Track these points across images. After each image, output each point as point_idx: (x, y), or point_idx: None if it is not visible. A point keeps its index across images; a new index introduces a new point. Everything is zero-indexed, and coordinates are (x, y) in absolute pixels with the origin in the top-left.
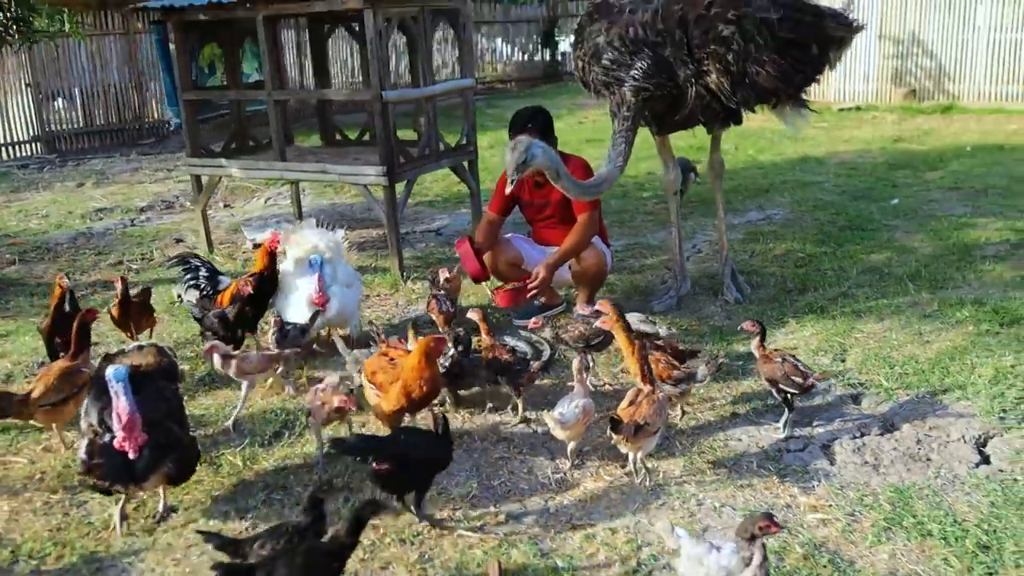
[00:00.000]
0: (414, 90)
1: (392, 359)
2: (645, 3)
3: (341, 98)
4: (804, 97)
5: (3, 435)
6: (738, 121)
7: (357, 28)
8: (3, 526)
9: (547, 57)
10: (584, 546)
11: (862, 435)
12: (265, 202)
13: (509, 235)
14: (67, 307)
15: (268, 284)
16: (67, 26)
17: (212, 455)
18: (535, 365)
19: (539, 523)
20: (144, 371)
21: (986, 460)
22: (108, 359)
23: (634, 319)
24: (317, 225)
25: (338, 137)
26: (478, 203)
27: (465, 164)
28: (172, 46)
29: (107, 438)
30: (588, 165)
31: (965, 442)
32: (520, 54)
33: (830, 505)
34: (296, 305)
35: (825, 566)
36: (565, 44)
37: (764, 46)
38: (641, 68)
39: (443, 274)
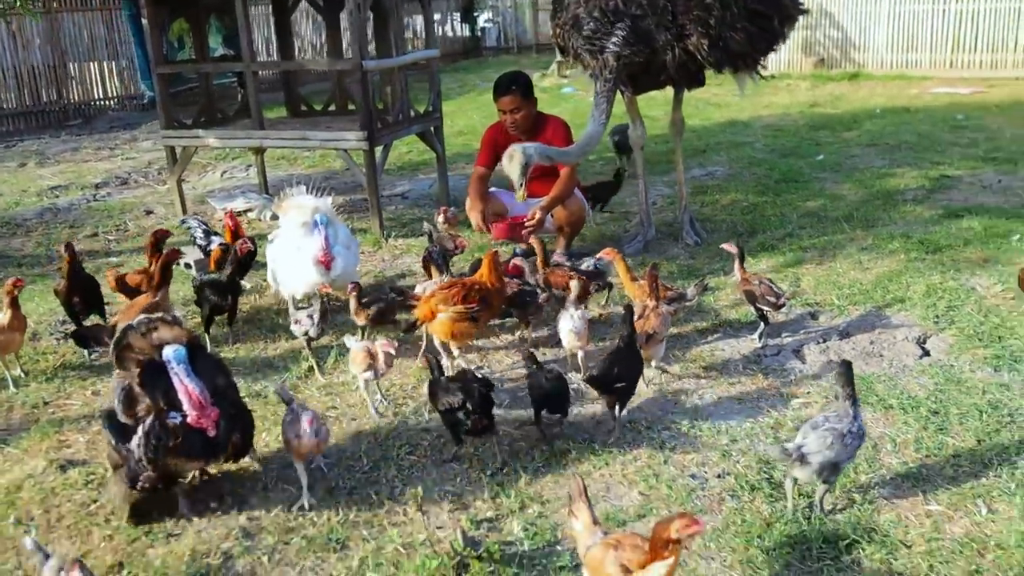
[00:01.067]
0: (390, 59)
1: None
2: None
3: (322, 68)
4: (761, 64)
5: (50, 383)
6: (702, 83)
7: (322, 2)
8: (86, 453)
9: (467, 33)
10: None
11: (824, 341)
12: (222, 175)
13: (493, 189)
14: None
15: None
16: (18, 3)
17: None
18: (543, 297)
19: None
20: (192, 344)
21: (927, 353)
22: (130, 334)
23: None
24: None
25: (304, 108)
26: (444, 166)
27: (432, 129)
28: (144, 21)
29: (176, 418)
30: (566, 123)
31: (909, 341)
32: (439, 30)
33: (808, 392)
34: (301, 266)
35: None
36: (483, 20)
37: (737, 14)
38: (622, 36)
39: (440, 216)
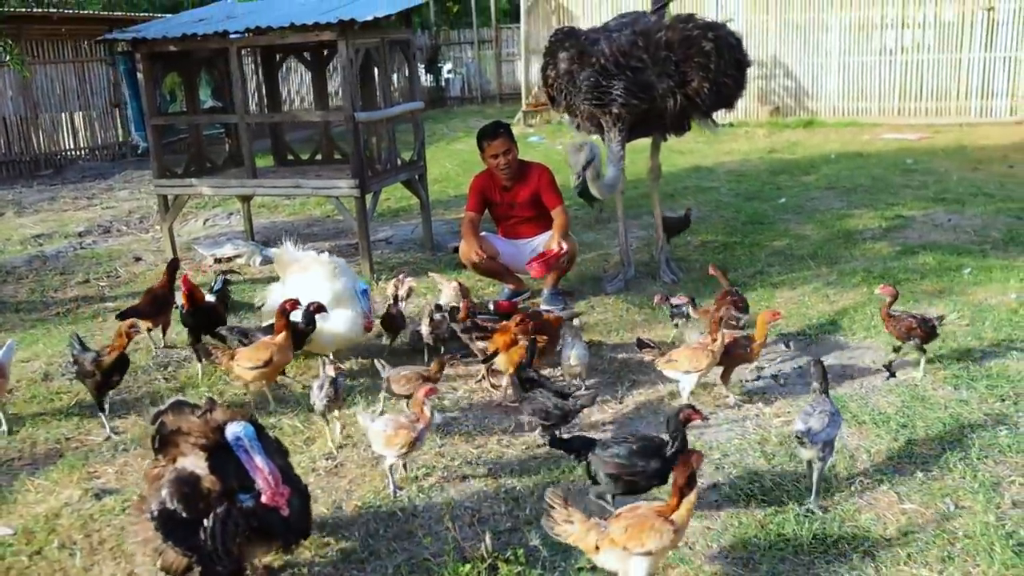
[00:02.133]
0: (380, 111)
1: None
2: (617, 33)
3: (314, 119)
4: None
5: (68, 420)
6: (688, 129)
7: (309, 57)
8: (117, 482)
9: (431, 83)
10: None
11: (799, 366)
12: (204, 223)
13: (484, 233)
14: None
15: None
16: (8, 57)
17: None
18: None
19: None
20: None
21: (893, 375)
22: (180, 418)
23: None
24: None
25: (290, 157)
26: (428, 212)
27: (416, 177)
28: (140, 75)
29: (247, 501)
30: (548, 169)
31: (876, 364)
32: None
33: (788, 411)
34: (335, 324)
35: (796, 448)
36: (447, 71)
37: (728, 62)
38: (628, 89)
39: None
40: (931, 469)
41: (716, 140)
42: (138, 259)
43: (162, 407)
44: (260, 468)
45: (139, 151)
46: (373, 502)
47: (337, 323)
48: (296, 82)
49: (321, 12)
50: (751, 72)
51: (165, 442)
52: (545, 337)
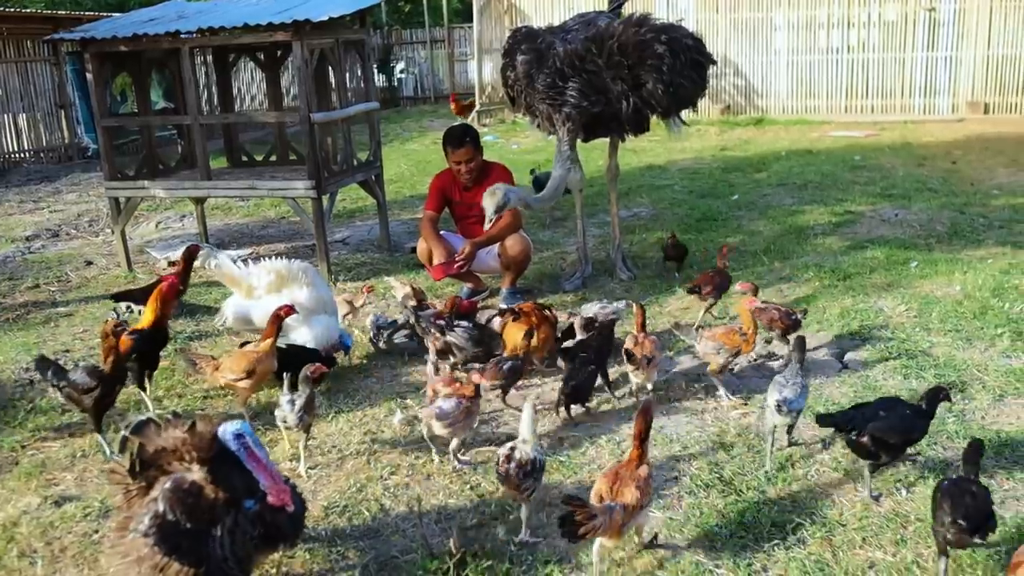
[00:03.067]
0: (337, 112)
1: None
2: (572, 34)
3: (270, 120)
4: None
5: (22, 428)
6: (648, 129)
7: (262, 57)
8: (77, 489)
9: (383, 83)
10: None
11: (756, 360)
12: (156, 225)
13: (443, 232)
14: None
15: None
16: None
17: None
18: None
19: None
20: None
21: (846, 367)
22: (158, 436)
23: (594, 307)
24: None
25: (244, 158)
26: (385, 212)
27: (373, 177)
28: (89, 76)
29: (252, 505)
30: (508, 169)
31: (829, 356)
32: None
33: (745, 403)
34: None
35: (753, 439)
36: (399, 70)
37: (684, 63)
38: (580, 91)
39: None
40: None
41: (669, 139)
42: (89, 263)
43: (126, 431)
44: (264, 465)
45: (88, 153)
46: (338, 502)
47: (312, 331)
48: (246, 81)
49: (275, 12)
50: None
51: (147, 465)
52: (546, 331)
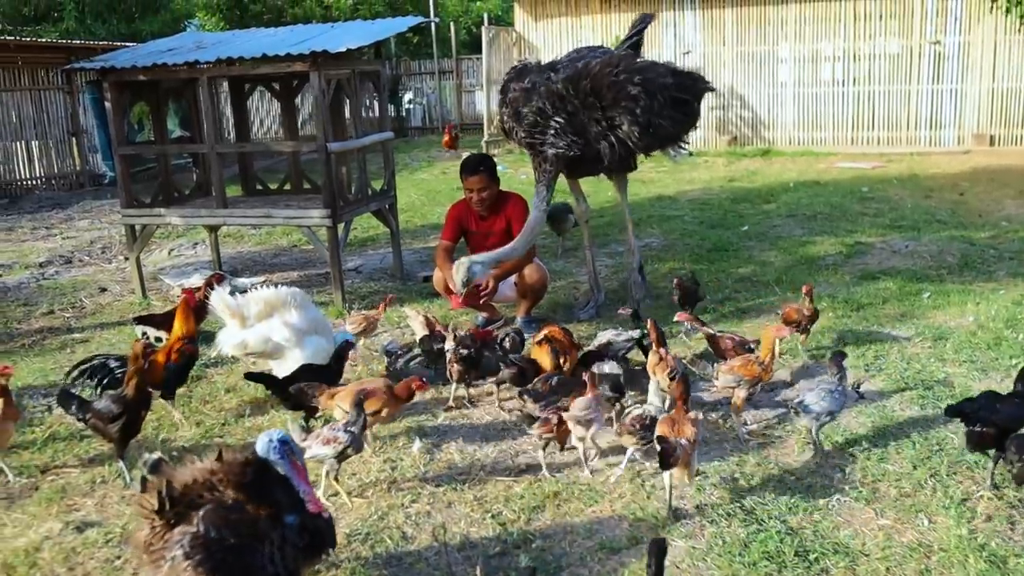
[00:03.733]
0: (353, 141)
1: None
2: (556, 74)
3: (288, 150)
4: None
5: (42, 452)
6: (634, 168)
7: (278, 87)
8: (98, 515)
9: (392, 113)
10: None
11: (772, 390)
12: (169, 253)
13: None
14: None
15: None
16: None
17: None
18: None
19: None
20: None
21: (862, 397)
22: (168, 482)
23: (609, 334)
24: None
25: (259, 187)
26: (398, 241)
27: (387, 206)
28: (107, 104)
29: (293, 519)
30: (523, 199)
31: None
32: (365, 112)
33: (764, 434)
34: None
35: (772, 467)
36: (407, 100)
37: (664, 103)
38: (558, 133)
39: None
40: (904, 486)
41: (677, 170)
42: (103, 290)
43: (146, 470)
44: (304, 473)
45: (105, 180)
46: (360, 530)
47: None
48: (263, 110)
49: (292, 43)
50: (709, 103)
51: (176, 502)
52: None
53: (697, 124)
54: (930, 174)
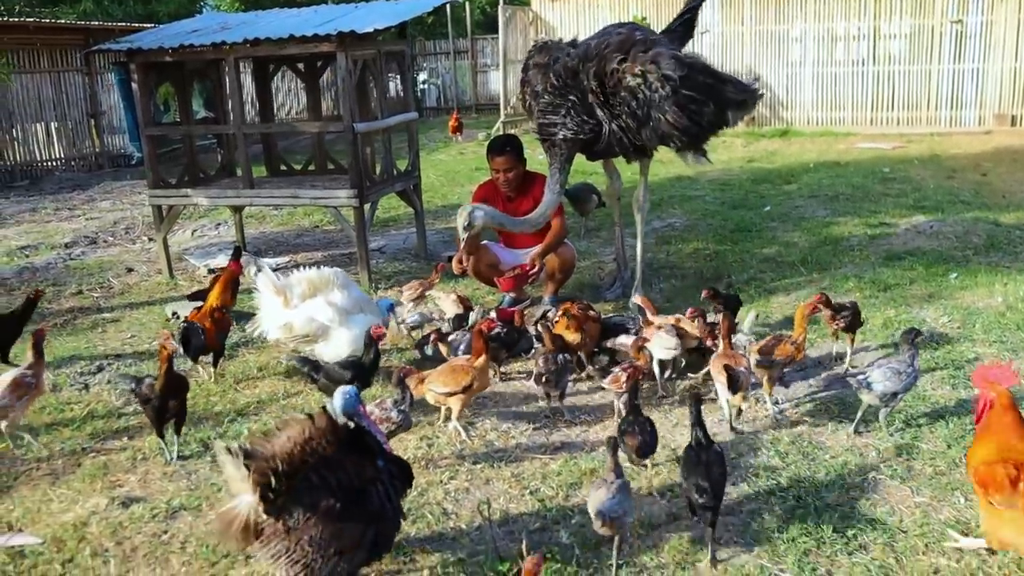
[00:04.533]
0: (378, 122)
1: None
2: (576, 50)
3: (314, 130)
4: (704, 148)
5: (80, 430)
6: (648, 155)
7: (302, 68)
8: (142, 491)
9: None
10: None
11: (803, 370)
12: (192, 233)
13: (485, 242)
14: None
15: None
16: None
17: None
18: None
19: None
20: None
21: None
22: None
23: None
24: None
25: (283, 167)
26: (422, 221)
27: (411, 187)
28: (134, 86)
29: (380, 463)
30: None
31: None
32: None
33: (796, 411)
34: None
35: (807, 445)
36: (422, 80)
37: (666, 97)
38: (569, 113)
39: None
40: (938, 464)
41: None
42: (130, 270)
43: (244, 460)
44: (377, 419)
45: (133, 161)
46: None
47: (351, 331)
48: (284, 91)
49: (318, 24)
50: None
51: (283, 475)
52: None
53: (717, 133)
54: (951, 154)
